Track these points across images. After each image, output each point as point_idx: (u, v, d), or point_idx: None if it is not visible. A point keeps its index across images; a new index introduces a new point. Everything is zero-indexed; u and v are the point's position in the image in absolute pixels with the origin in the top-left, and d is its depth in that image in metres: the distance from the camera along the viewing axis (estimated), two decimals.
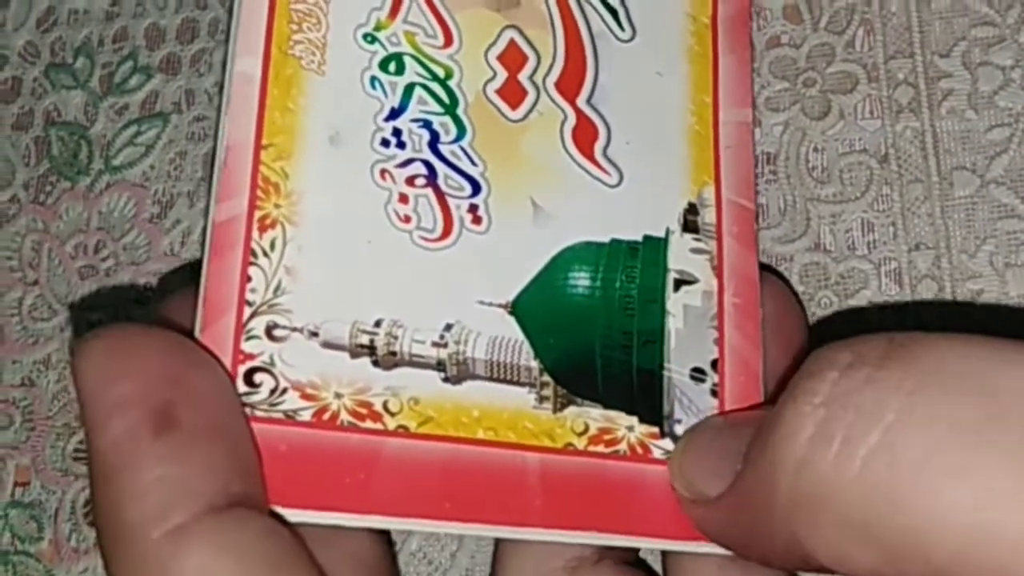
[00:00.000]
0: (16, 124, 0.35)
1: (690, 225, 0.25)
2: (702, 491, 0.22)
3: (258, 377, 0.21)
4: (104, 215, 0.33)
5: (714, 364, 0.24)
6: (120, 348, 0.19)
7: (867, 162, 0.29)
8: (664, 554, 0.25)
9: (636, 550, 0.26)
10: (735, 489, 0.21)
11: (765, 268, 0.25)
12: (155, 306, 0.23)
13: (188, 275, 0.22)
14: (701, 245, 0.25)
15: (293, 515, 0.21)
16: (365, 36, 0.23)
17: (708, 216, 0.25)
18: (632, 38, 0.26)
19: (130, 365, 0.19)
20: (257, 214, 0.22)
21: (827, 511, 0.18)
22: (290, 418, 0.21)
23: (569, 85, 0.25)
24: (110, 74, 0.34)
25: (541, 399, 0.23)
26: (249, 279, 0.22)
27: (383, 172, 0.23)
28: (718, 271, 0.25)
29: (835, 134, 0.30)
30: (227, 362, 0.21)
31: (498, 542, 0.25)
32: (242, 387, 0.21)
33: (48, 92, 0.34)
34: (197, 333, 0.21)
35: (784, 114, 0.30)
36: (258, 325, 0.21)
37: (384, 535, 0.24)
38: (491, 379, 0.23)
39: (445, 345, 0.22)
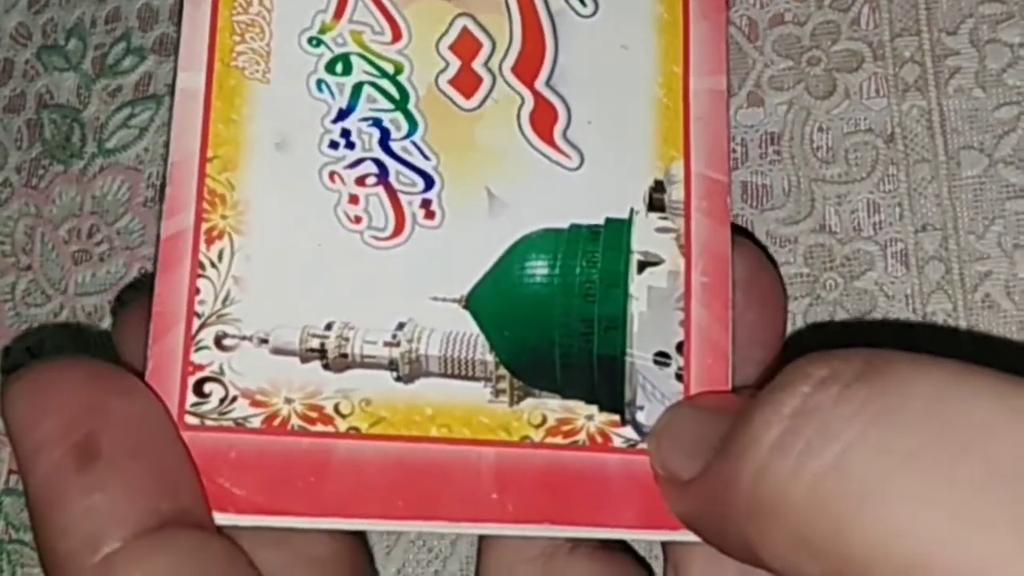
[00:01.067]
0: (8, 107, 0.35)
1: (656, 203, 0.24)
2: (676, 473, 0.22)
3: (208, 387, 0.22)
4: (98, 199, 0.33)
5: (679, 347, 0.24)
6: (40, 387, 0.20)
7: (873, 142, 0.28)
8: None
9: None
10: (704, 480, 0.21)
11: (734, 230, 0.25)
12: (113, 319, 0.23)
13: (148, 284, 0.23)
14: (667, 224, 0.24)
15: (245, 520, 0.21)
16: (310, 40, 0.24)
17: (676, 193, 0.24)
18: (595, 12, 0.25)
19: (50, 403, 0.20)
20: (204, 226, 0.22)
21: (778, 521, 0.18)
22: (240, 425, 0.22)
23: (526, 68, 0.25)
24: (103, 56, 0.34)
25: (497, 393, 0.23)
26: (198, 291, 0.22)
27: (332, 174, 0.23)
28: (685, 249, 0.24)
29: (840, 113, 0.29)
30: (176, 374, 0.22)
31: (480, 540, 0.25)
32: (192, 398, 0.22)
33: (40, 74, 0.34)
34: (149, 347, 0.22)
35: (788, 93, 0.29)
36: (207, 336, 0.22)
37: (346, 533, 0.24)
38: (445, 375, 0.23)
39: (397, 344, 0.23)
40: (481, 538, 0.25)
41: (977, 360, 0.18)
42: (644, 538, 0.23)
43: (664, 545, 0.25)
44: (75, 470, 0.20)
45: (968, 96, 0.28)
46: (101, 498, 0.19)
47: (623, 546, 0.26)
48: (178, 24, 0.23)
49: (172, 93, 0.23)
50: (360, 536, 0.26)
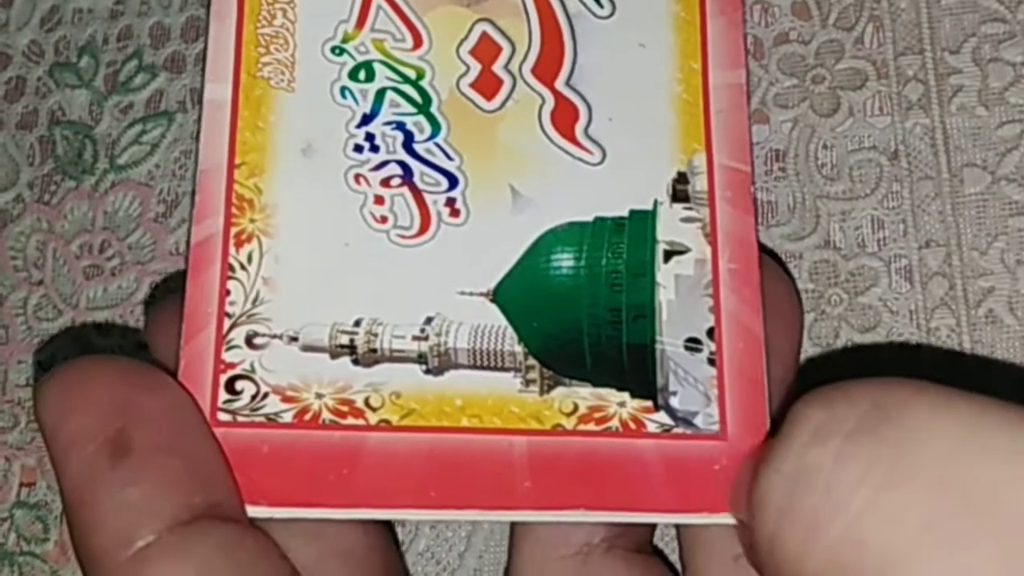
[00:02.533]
0: (20, 123, 0.35)
1: (680, 194, 0.24)
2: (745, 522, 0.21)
3: (239, 384, 0.22)
4: (109, 214, 0.33)
5: (710, 332, 0.23)
6: (71, 384, 0.21)
7: (877, 159, 0.29)
8: (680, 543, 0.24)
9: (648, 538, 0.25)
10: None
11: None
12: (146, 314, 0.24)
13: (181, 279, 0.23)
14: (692, 213, 0.24)
15: (278, 512, 0.22)
16: (333, 49, 0.24)
17: (699, 184, 0.24)
18: (612, 14, 0.25)
19: (81, 400, 0.20)
20: (233, 230, 0.23)
21: None
22: (272, 421, 0.22)
23: (546, 69, 0.25)
24: (115, 73, 0.34)
25: (527, 383, 0.23)
26: (228, 292, 0.23)
27: (357, 177, 0.24)
28: (712, 238, 0.24)
29: (844, 131, 0.29)
30: (208, 372, 0.22)
31: (512, 534, 0.25)
32: (224, 395, 0.22)
33: (52, 91, 0.35)
34: (181, 347, 0.22)
35: (793, 111, 0.30)
36: (238, 335, 0.22)
37: (378, 526, 0.24)
38: (474, 367, 0.23)
39: (426, 338, 0.23)
40: (512, 535, 0.25)
41: (981, 381, 0.17)
42: (680, 521, 0.23)
43: (681, 546, 0.25)
44: (108, 465, 0.20)
45: (971, 114, 0.28)
46: (134, 492, 0.20)
47: (656, 550, 0.25)
48: (205, 38, 0.24)
49: (200, 104, 0.24)
50: (391, 532, 0.26)
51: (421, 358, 0.23)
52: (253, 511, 0.21)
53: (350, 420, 0.22)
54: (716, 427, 0.23)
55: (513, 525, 0.25)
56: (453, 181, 0.24)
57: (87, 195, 0.34)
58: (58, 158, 0.34)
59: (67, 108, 0.34)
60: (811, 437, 0.18)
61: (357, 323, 0.23)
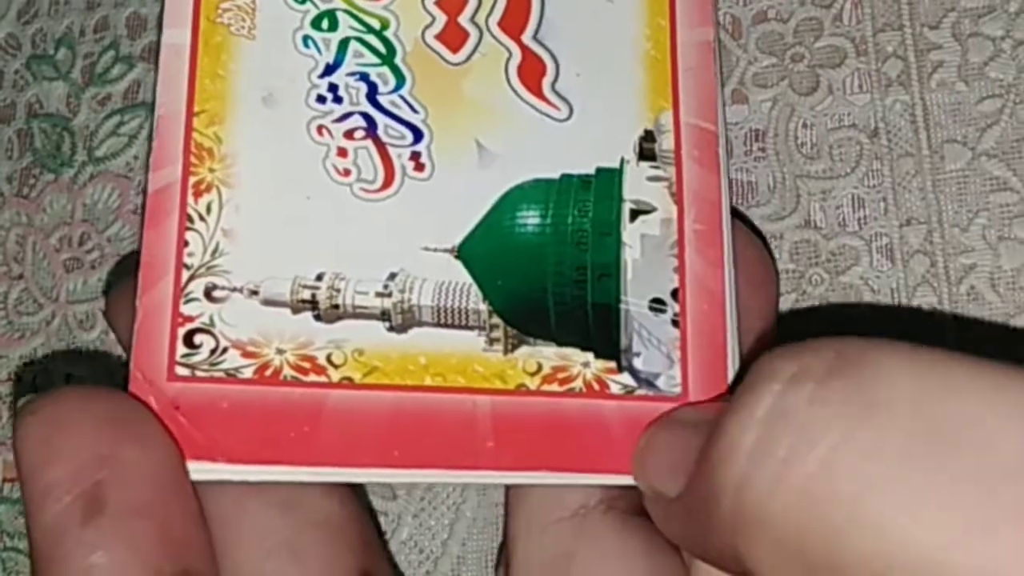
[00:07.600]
0: None
1: (646, 153, 0.24)
2: (660, 491, 0.21)
3: (198, 338, 0.22)
4: (88, 207, 0.33)
5: (675, 294, 0.23)
6: (53, 425, 0.20)
7: (857, 137, 0.28)
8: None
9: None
10: (687, 495, 0.20)
11: None
12: (106, 297, 0.23)
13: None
14: (659, 172, 0.24)
15: (238, 471, 0.21)
16: None
17: (666, 142, 0.24)
18: None
19: (62, 445, 0.20)
20: (192, 180, 0.22)
21: (765, 531, 0.17)
22: (231, 376, 0.21)
23: (513, 22, 0.24)
24: (92, 64, 0.34)
25: (491, 341, 0.23)
26: (186, 243, 0.22)
27: (320, 128, 0.23)
28: (678, 197, 0.24)
29: (824, 109, 0.29)
30: (166, 325, 0.21)
31: (507, 502, 0.25)
32: (182, 349, 0.21)
33: (30, 84, 0.34)
34: (137, 300, 0.22)
35: (772, 90, 0.29)
36: (196, 288, 0.22)
37: (353, 497, 0.24)
38: (438, 325, 0.23)
39: (389, 294, 0.22)
40: (507, 502, 0.25)
41: (964, 346, 0.17)
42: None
43: None
44: (79, 523, 0.19)
45: (951, 90, 0.28)
46: (102, 557, 0.19)
47: None
48: None
49: (157, 48, 0.23)
50: (368, 508, 0.25)
51: (384, 315, 0.22)
52: (212, 468, 0.21)
53: (312, 377, 0.22)
54: (678, 389, 0.23)
55: (508, 492, 0.25)
56: (418, 134, 0.23)
57: (66, 188, 0.33)
58: (36, 151, 0.34)
59: (45, 101, 0.34)
60: (784, 385, 0.17)
61: (319, 277, 0.22)
